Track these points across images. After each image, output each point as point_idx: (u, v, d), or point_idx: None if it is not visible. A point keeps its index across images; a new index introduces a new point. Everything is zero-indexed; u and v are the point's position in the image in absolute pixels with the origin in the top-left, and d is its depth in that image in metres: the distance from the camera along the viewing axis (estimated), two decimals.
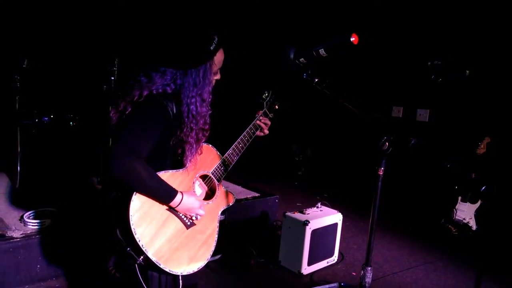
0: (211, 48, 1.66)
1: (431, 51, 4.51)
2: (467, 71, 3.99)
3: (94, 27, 4.06)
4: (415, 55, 4.64)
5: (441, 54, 4.42)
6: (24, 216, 2.59)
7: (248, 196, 3.68)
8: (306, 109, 4.95)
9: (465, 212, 3.72)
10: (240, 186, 4.00)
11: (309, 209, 3.01)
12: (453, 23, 4.29)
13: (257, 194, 3.77)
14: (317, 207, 3.06)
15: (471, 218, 3.71)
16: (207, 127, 1.76)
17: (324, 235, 2.91)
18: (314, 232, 2.79)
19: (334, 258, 3.05)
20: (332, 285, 2.59)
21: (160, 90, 1.64)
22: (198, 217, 1.75)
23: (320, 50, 1.28)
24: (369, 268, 1.45)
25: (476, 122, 4.12)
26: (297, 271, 2.79)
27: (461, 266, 3.19)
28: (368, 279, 1.45)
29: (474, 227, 3.70)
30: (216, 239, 1.84)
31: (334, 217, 3.00)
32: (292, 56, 1.39)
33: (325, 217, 2.92)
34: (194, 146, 1.73)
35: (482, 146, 3.69)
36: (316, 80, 1.36)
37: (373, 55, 4.98)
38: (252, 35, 5.45)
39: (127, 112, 1.64)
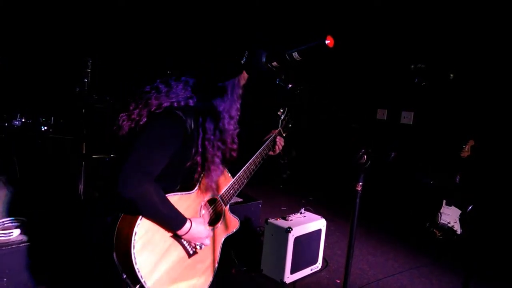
0: (242, 62, 1.51)
1: (415, 54, 4.49)
2: (451, 75, 3.97)
3: (66, 27, 3.91)
4: (399, 57, 4.62)
5: (426, 57, 4.40)
6: None
7: (231, 202, 3.57)
8: (288, 111, 4.88)
9: (450, 216, 3.70)
10: None
11: (292, 215, 2.93)
12: (438, 26, 4.28)
13: (239, 200, 3.66)
14: (301, 213, 2.99)
15: (455, 222, 3.69)
16: (235, 146, 1.63)
17: (307, 242, 2.83)
18: (297, 239, 2.71)
19: (318, 265, 2.98)
20: None
21: (182, 103, 1.49)
22: (203, 246, 1.64)
23: (293, 54, 1.20)
24: None
25: (460, 125, 4.10)
26: (279, 279, 2.70)
27: (446, 270, 3.15)
28: None
29: (458, 231, 3.67)
30: (215, 270, 1.74)
31: (318, 223, 2.92)
32: (264, 59, 1.30)
33: (308, 223, 2.85)
34: (220, 167, 1.60)
35: (466, 149, 3.66)
36: (290, 86, 1.28)
37: (358, 57, 4.95)
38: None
39: (141, 123, 1.49)
